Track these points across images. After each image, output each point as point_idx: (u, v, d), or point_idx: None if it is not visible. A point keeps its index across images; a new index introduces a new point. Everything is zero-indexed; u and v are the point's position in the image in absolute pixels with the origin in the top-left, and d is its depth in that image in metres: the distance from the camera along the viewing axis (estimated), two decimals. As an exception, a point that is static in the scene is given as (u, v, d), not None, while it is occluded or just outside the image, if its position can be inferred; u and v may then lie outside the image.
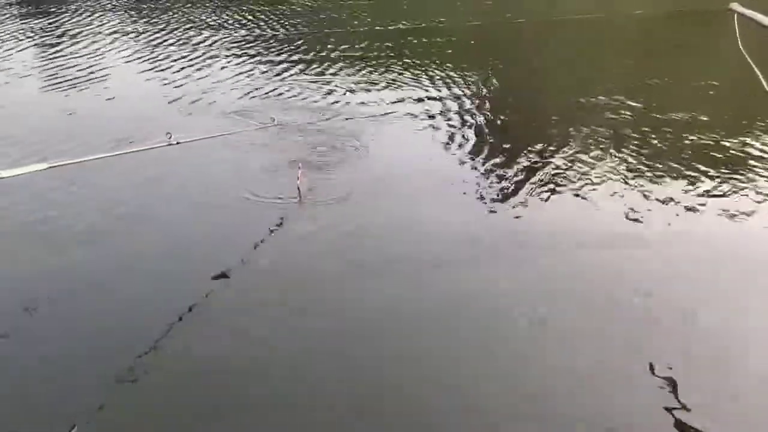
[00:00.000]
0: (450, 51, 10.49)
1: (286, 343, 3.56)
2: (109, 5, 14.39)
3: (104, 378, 3.22)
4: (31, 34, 11.52)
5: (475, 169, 5.94)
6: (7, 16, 13.04)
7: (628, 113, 7.39)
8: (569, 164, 5.96)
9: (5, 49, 10.47)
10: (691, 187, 5.43)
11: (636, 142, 6.43)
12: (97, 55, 10.08)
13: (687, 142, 6.49)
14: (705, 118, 7.08)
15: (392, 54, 10.25)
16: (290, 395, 3.19)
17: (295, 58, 9.90)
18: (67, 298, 3.91)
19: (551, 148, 6.35)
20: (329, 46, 10.61)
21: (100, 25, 12.13)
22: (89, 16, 13.24)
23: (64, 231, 4.68)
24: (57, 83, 8.66)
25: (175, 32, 11.47)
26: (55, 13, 13.14)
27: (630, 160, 6.03)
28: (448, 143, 6.50)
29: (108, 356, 3.41)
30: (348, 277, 4.16)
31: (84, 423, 2.91)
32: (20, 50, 10.42)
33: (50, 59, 9.90)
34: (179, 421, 3.05)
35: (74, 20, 12.78)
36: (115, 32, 11.48)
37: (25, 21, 12.41)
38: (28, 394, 3.20)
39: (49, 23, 12.20)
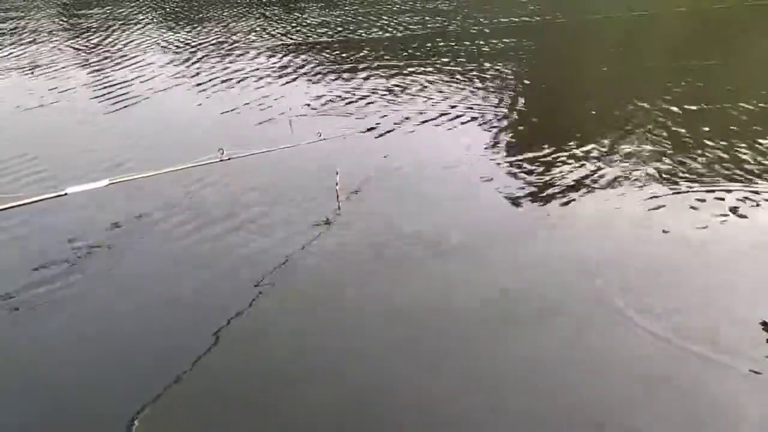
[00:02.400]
0: (495, 52, 10.51)
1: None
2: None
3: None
4: (75, 42, 11.74)
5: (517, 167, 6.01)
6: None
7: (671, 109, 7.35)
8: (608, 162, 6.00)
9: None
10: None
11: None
12: (153, 70, 10.31)
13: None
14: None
15: (429, 55, 10.38)
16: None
17: (335, 66, 10.05)
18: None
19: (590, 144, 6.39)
20: (362, 53, 10.78)
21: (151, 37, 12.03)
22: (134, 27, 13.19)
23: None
24: (110, 99, 8.87)
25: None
26: (95, 28, 13.44)
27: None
28: (491, 142, 6.64)
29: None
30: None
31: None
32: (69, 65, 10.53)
33: (99, 77, 9.99)
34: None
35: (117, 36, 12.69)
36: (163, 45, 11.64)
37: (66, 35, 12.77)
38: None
39: (88, 37, 12.26)
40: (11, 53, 11.81)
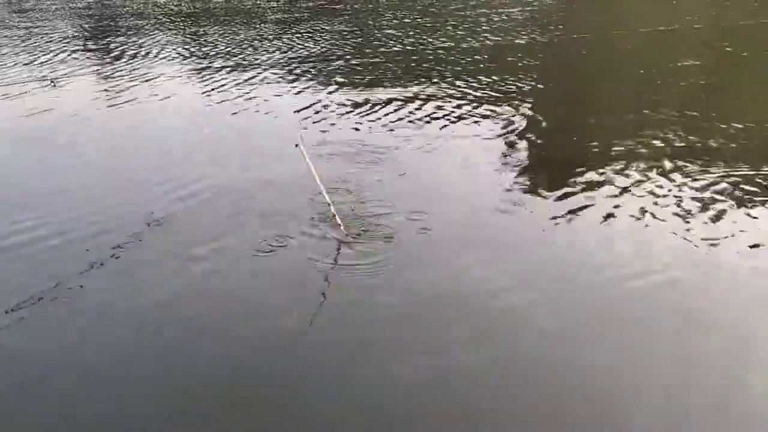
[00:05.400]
0: (515, 67, 10.44)
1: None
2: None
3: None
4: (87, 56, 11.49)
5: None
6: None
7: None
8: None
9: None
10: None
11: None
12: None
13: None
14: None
15: (446, 70, 10.31)
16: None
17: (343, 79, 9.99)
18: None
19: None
20: (377, 66, 10.71)
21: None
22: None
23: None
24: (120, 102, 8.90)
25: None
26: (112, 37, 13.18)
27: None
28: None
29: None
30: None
31: None
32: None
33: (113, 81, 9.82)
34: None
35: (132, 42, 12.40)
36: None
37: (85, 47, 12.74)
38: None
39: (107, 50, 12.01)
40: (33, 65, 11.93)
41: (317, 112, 8.25)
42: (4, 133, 7.97)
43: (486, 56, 11.35)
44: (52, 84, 10.15)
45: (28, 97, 9.44)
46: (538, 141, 7.14)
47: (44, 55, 12.46)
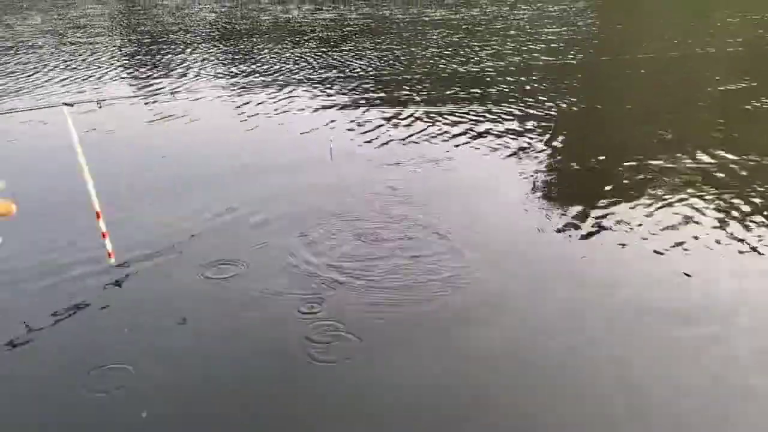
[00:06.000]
0: (541, 89, 10.30)
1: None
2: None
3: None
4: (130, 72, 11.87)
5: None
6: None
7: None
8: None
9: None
10: None
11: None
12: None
13: None
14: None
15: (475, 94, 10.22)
16: None
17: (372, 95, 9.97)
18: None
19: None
20: (404, 91, 10.65)
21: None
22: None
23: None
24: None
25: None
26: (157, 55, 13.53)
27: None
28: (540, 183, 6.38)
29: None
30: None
31: None
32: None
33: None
34: None
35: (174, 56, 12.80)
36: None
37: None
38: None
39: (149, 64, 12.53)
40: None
41: (360, 129, 8.29)
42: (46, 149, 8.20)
43: (532, 76, 11.24)
44: (99, 105, 10.36)
45: (76, 116, 9.67)
46: (575, 164, 6.94)
47: (95, 71, 12.86)
